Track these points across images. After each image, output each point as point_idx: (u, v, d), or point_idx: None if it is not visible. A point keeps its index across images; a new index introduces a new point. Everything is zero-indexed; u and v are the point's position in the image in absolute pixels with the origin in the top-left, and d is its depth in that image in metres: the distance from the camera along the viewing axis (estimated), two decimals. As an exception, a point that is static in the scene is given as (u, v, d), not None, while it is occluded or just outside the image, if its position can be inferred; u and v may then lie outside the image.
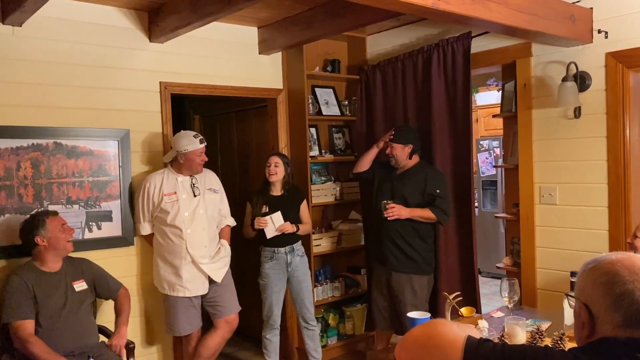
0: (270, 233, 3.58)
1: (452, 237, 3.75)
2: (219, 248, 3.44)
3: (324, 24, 3.55)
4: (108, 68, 3.38)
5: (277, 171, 3.62)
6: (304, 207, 3.76)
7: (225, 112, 4.87)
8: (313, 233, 4.12)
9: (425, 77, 3.80)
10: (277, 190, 3.68)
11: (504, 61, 3.62)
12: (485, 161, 7.05)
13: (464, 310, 2.58)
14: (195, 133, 3.36)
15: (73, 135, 3.24)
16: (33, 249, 2.84)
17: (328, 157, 4.40)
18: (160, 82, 3.57)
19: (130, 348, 2.99)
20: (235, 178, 4.77)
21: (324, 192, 4.32)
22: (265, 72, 4.10)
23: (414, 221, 3.47)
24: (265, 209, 3.62)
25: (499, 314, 2.68)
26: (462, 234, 3.72)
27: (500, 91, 3.86)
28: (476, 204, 6.25)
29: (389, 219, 3.43)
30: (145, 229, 3.33)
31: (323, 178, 4.39)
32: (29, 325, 2.69)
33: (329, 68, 4.42)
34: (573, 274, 2.52)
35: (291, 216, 3.66)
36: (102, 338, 3.03)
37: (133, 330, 3.45)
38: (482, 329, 2.32)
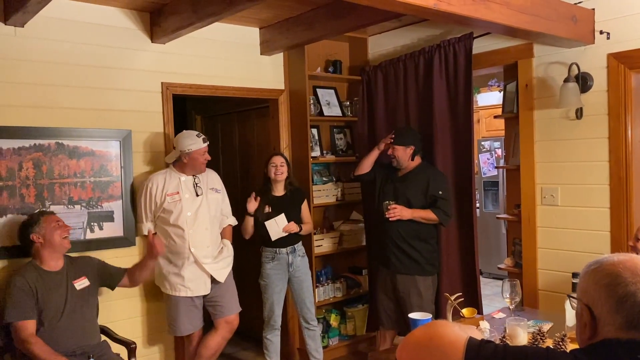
0: (275, 235, 3.59)
1: (453, 238, 3.74)
2: (222, 248, 3.44)
3: (325, 25, 3.55)
4: (110, 68, 3.38)
5: (283, 171, 3.63)
6: (304, 207, 3.77)
7: (227, 112, 4.88)
8: (314, 233, 4.12)
9: (427, 78, 3.80)
10: (279, 191, 3.69)
11: (506, 62, 3.62)
12: (487, 162, 7.05)
13: (465, 311, 2.58)
14: (198, 132, 3.36)
15: (75, 135, 3.25)
16: (31, 248, 2.85)
17: (329, 157, 4.40)
18: (162, 83, 3.58)
19: (131, 348, 3.00)
20: (237, 178, 4.77)
21: (325, 192, 4.33)
22: (267, 73, 4.10)
23: (416, 222, 3.46)
24: (268, 209, 3.63)
25: (501, 315, 2.67)
26: (463, 234, 3.71)
27: (502, 92, 3.86)
28: (478, 205, 6.26)
29: (390, 219, 3.42)
30: (148, 229, 3.33)
31: (324, 178, 4.39)
32: (30, 325, 2.69)
33: (330, 69, 4.42)
34: (575, 275, 2.52)
35: (293, 216, 3.66)
36: (103, 337, 3.04)
37: (134, 330, 3.45)
38: (484, 330, 2.31)
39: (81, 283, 2.92)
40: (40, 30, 3.12)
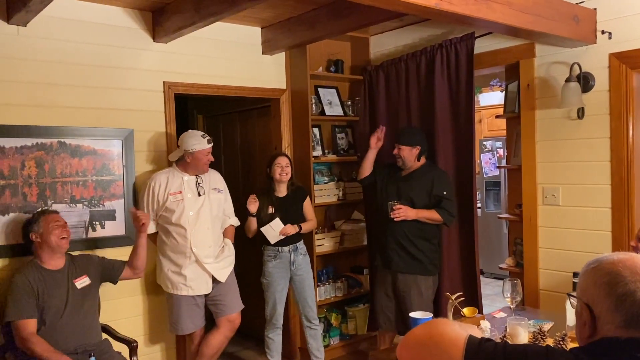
0: (273, 239, 3.60)
1: (454, 238, 3.74)
2: (223, 248, 3.45)
3: (327, 25, 3.55)
4: (112, 68, 3.39)
5: (288, 172, 3.64)
6: (307, 204, 3.77)
7: (229, 112, 4.88)
8: (316, 233, 4.13)
9: (429, 78, 3.80)
10: (282, 191, 3.69)
11: (508, 62, 3.62)
12: (489, 162, 7.04)
13: (466, 311, 2.58)
14: (203, 133, 3.36)
15: (77, 134, 3.26)
16: (32, 246, 2.86)
17: (331, 157, 4.40)
18: (164, 82, 3.58)
19: (133, 347, 3.01)
20: (238, 177, 4.78)
21: (326, 192, 4.33)
22: (269, 72, 4.11)
23: (420, 222, 3.46)
24: (271, 209, 3.63)
25: (502, 314, 2.68)
26: (464, 234, 3.71)
27: (504, 92, 3.86)
28: (479, 205, 6.26)
29: (395, 219, 3.42)
30: (150, 227, 3.34)
31: (326, 178, 4.40)
32: (30, 324, 2.70)
33: (332, 68, 4.42)
34: (576, 274, 2.51)
35: (295, 216, 3.67)
36: (105, 336, 3.04)
37: (136, 328, 3.46)
38: (484, 329, 2.32)
39: (82, 282, 2.92)
40: (43, 29, 3.13)
